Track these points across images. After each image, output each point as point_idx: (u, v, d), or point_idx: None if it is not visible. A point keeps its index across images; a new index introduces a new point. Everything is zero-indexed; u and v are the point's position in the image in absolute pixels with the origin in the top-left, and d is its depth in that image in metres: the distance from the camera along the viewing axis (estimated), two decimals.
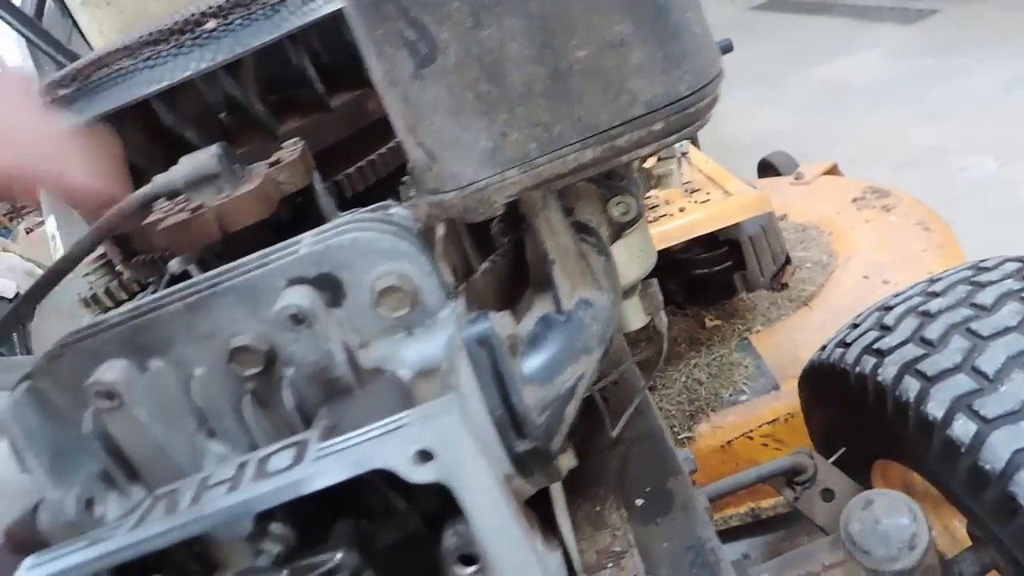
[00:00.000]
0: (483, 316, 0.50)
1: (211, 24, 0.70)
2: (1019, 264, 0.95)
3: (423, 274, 0.51)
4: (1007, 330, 0.85)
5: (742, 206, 1.57)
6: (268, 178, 0.63)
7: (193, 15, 0.71)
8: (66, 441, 0.53)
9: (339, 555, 0.41)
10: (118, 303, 0.92)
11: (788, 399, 1.50)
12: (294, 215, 0.70)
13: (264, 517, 0.47)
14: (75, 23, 1.25)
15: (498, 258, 0.60)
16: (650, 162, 1.66)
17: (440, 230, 0.55)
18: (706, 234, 1.63)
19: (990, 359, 0.83)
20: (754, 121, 3.56)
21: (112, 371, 0.48)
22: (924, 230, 1.80)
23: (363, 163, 0.76)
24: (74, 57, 1.21)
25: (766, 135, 3.28)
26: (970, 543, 0.92)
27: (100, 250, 0.95)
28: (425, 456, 0.41)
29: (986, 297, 0.91)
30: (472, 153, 0.47)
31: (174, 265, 0.69)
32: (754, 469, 1.09)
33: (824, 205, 2.09)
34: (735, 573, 0.69)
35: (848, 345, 1.03)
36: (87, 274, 0.95)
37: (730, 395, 1.55)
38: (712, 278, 1.79)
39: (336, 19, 0.73)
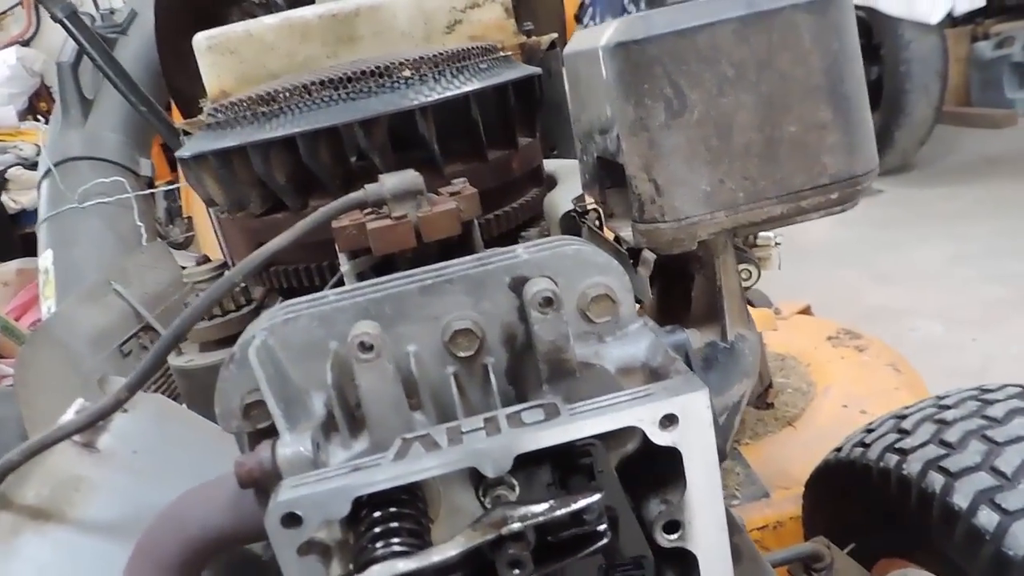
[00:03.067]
0: (678, 329, 0.59)
1: (407, 73, 0.81)
2: (1020, 388, 1.10)
3: (624, 290, 0.61)
4: (1020, 439, 0.98)
5: None
6: (456, 203, 0.72)
7: (390, 64, 0.82)
8: (287, 394, 0.58)
9: (598, 496, 0.48)
10: (225, 312, 0.97)
11: (778, 508, 1.59)
12: (455, 244, 0.79)
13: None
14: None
15: (654, 291, 0.70)
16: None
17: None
18: None
19: (1007, 461, 0.96)
20: None
21: (370, 327, 0.55)
22: (895, 371, 1.98)
23: (506, 209, 0.86)
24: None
25: None
26: None
27: (217, 262, 1.00)
28: (670, 421, 0.49)
29: (996, 411, 1.05)
30: (693, 193, 0.59)
31: (347, 269, 0.76)
32: (776, 552, 1.16)
33: (801, 340, 2.27)
34: None
35: (868, 446, 1.14)
36: (199, 282, 0.99)
37: (724, 499, 1.63)
38: None
39: (502, 90, 0.86)
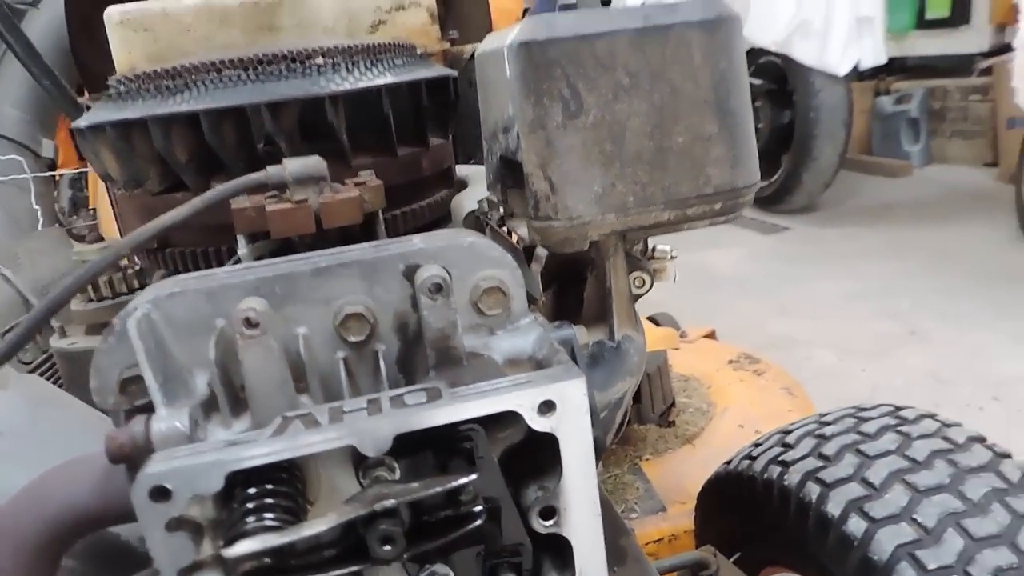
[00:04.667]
0: (566, 324, 0.61)
1: (320, 60, 0.81)
2: (892, 407, 1.18)
3: (516, 284, 0.62)
4: (888, 452, 1.05)
5: (654, 339, 1.77)
6: (360, 192, 0.73)
7: (303, 50, 0.82)
8: (168, 369, 0.57)
9: (472, 476, 0.48)
10: (116, 295, 0.93)
11: (673, 522, 1.64)
12: (357, 234, 0.79)
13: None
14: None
15: (549, 293, 0.72)
16: None
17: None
18: None
19: (876, 472, 1.02)
20: None
21: (257, 303, 0.54)
22: (789, 394, 2.08)
23: (414, 207, 0.87)
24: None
25: (645, 302, 3.64)
26: None
27: (108, 242, 0.96)
28: (548, 407, 0.50)
29: (870, 427, 1.11)
30: (586, 193, 0.61)
31: (245, 252, 0.75)
32: (664, 560, 1.20)
33: (704, 362, 2.36)
34: None
35: (754, 458, 1.19)
36: (87, 260, 0.95)
37: (622, 511, 1.67)
38: None
39: (415, 87, 0.87)
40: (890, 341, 3.12)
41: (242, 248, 0.75)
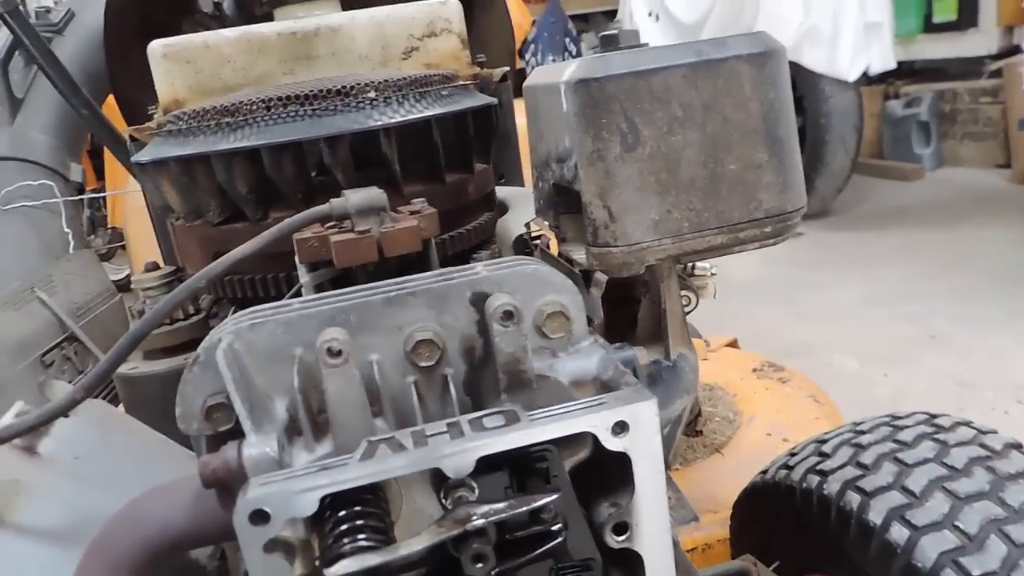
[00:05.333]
0: (626, 346, 0.63)
1: (372, 94, 0.84)
2: (926, 415, 1.19)
3: (577, 308, 0.65)
4: (926, 460, 1.07)
5: None
6: (419, 220, 0.76)
7: (355, 85, 0.85)
8: (251, 397, 0.60)
9: (555, 495, 0.51)
10: (173, 321, 0.97)
11: (707, 531, 1.65)
12: (413, 260, 0.82)
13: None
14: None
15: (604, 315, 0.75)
16: None
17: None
18: None
19: (916, 481, 1.04)
20: None
21: (340, 333, 0.57)
22: (815, 402, 2.09)
23: (460, 231, 0.90)
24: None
25: None
26: None
27: (168, 269, 1.00)
28: (621, 428, 0.53)
29: (906, 436, 1.13)
30: (643, 220, 0.64)
31: (306, 281, 0.78)
32: (705, 569, 1.21)
33: (728, 371, 2.37)
34: None
35: (791, 468, 1.21)
36: (147, 289, 0.99)
37: None
38: None
39: (461, 117, 0.90)
40: (910, 346, 3.12)
41: (303, 276, 0.78)
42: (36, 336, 2.01)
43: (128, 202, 2.59)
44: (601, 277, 0.70)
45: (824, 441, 1.23)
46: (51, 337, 2.07)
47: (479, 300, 0.63)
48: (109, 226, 5.07)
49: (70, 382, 1.52)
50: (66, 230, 2.38)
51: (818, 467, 1.16)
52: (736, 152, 0.64)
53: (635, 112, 0.61)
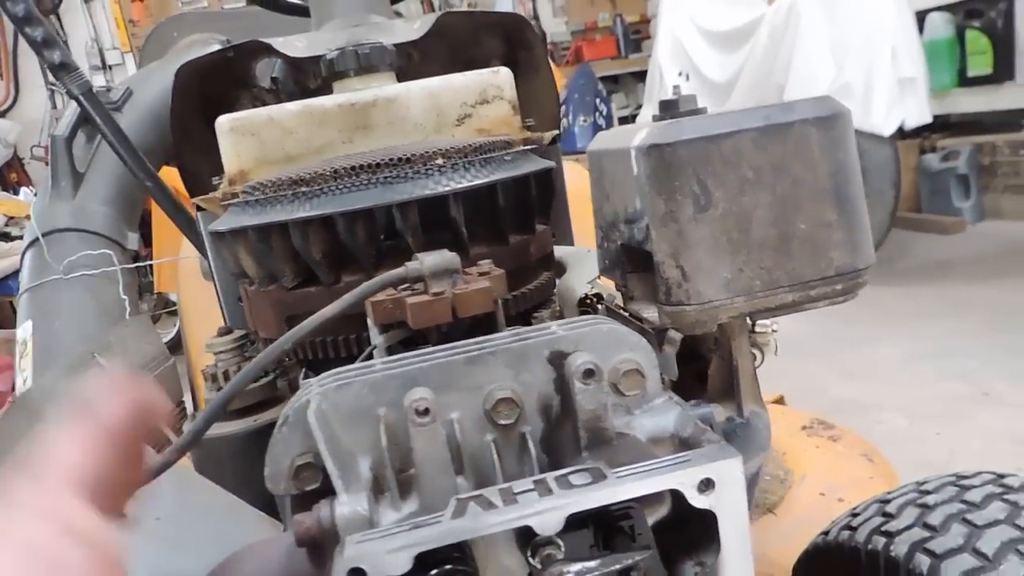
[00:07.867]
0: (703, 403, 0.64)
1: (440, 161, 0.88)
2: (993, 475, 1.16)
3: (651, 366, 0.66)
4: (997, 522, 1.04)
5: None
6: (489, 281, 0.78)
7: (423, 153, 0.89)
8: (340, 456, 0.61)
9: (648, 552, 0.51)
10: None
11: None
12: (482, 320, 0.84)
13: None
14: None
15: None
16: None
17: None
18: None
19: (988, 543, 1.01)
20: None
21: (427, 393, 0.59)
22: (868, 461, 2.04)
23: (523, 291, 0.92)
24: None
25: None
26: None
27: (240, 332, 1.03)
28: (707, 485, 0.53)
29: (974, 496, 1.10)
30: (715, 279, 0.65)
31: (380, 341, 0.80)
32: None
33: (777, 429, 2.32)
34: None
35: (854, 528, 1.18)
36: (220, 352, 1.02)
37: None
38: None
39: (523, 181, 0.93)
40: (961, 403, 3.04)
41: (376, 337, 0.80)
42: None
43: (182, 268, 2.67)
44: (676, 335, 0.71)
45: (887, 501, 1.20)
46: None
47: (557, 359, 0.65)
48: (155, 292, 5.22)
49: None
50: (123, 296, 2.46)
51: (883, 528, 1.13)
52: (806, 212, 0.65)
53: (707, 175, 0.63)
